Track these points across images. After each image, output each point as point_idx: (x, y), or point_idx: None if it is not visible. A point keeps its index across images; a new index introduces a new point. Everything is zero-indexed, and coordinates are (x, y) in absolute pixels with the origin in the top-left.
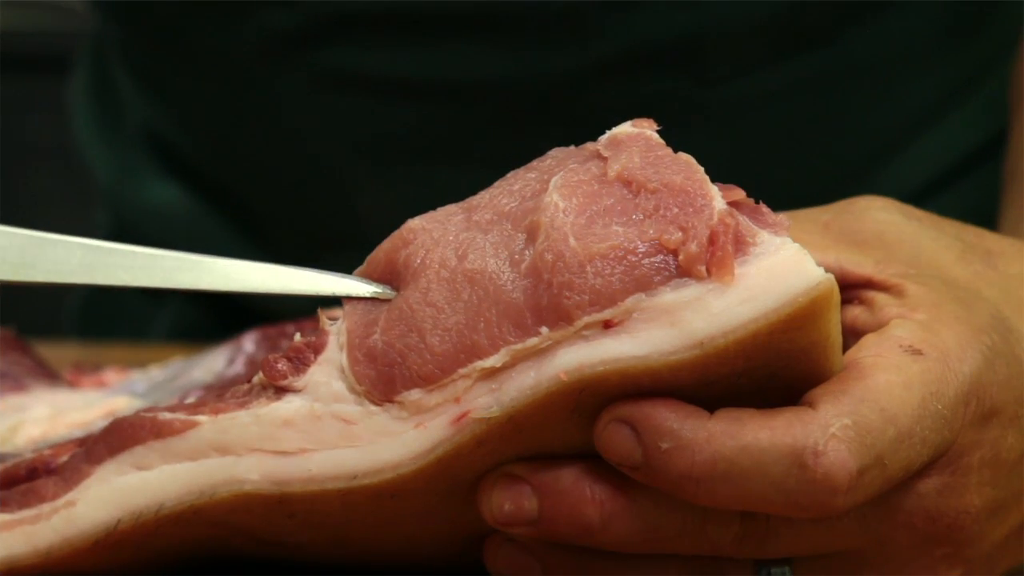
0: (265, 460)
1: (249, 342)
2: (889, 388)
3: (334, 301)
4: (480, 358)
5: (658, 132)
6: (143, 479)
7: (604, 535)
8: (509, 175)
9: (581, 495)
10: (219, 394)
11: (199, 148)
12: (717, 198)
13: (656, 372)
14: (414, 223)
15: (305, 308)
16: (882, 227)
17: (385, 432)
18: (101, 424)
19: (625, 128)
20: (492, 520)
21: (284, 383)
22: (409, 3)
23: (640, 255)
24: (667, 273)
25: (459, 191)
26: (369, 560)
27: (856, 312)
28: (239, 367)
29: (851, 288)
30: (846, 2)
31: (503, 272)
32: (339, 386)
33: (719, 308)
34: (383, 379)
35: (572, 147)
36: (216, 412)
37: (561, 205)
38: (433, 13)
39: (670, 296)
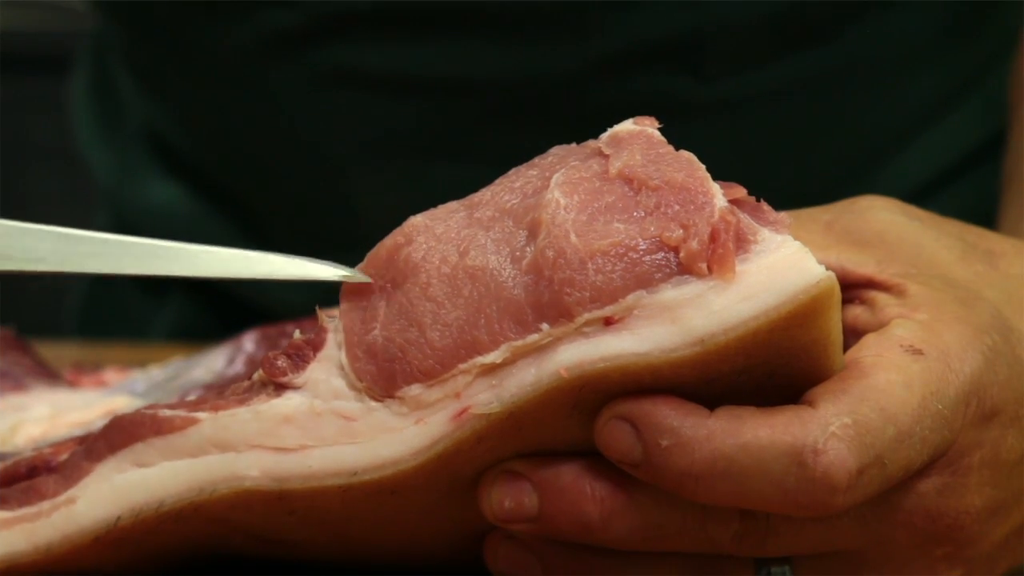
0: (265, 456)
1: (249, 342)
2: (889, 387)
3: (333, 299)
4: (480, 354)
5: (659, 130)
6: (143, 476)
7: (604, 532)
8: (511, 172)
9: (581, 492)
10: (219, 392)
11: (199, 147)
12: (718, 196)
13: (657, 369)
14: (416, 220)
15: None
16: (884, 227)
17: (385, 428)
18: (101, 423)
19: (627, 125)
20: (492, 517)
21: (284, 380)
22: (409, 2)
23: (641, 252)
24: (668, 270)
25: (459, 189)
26: (369, 557)
27: (857, 312)
28: (239, 367)
29: (852, 288)
30: (845, 1)
31: (504, 268)
32: (339, 383)
33: (720, 305)
34: (383, 374)
35: (573, 144)
36: (216, 409)
37: (562, 202)
38: (433, 11)
39: (671, 293)
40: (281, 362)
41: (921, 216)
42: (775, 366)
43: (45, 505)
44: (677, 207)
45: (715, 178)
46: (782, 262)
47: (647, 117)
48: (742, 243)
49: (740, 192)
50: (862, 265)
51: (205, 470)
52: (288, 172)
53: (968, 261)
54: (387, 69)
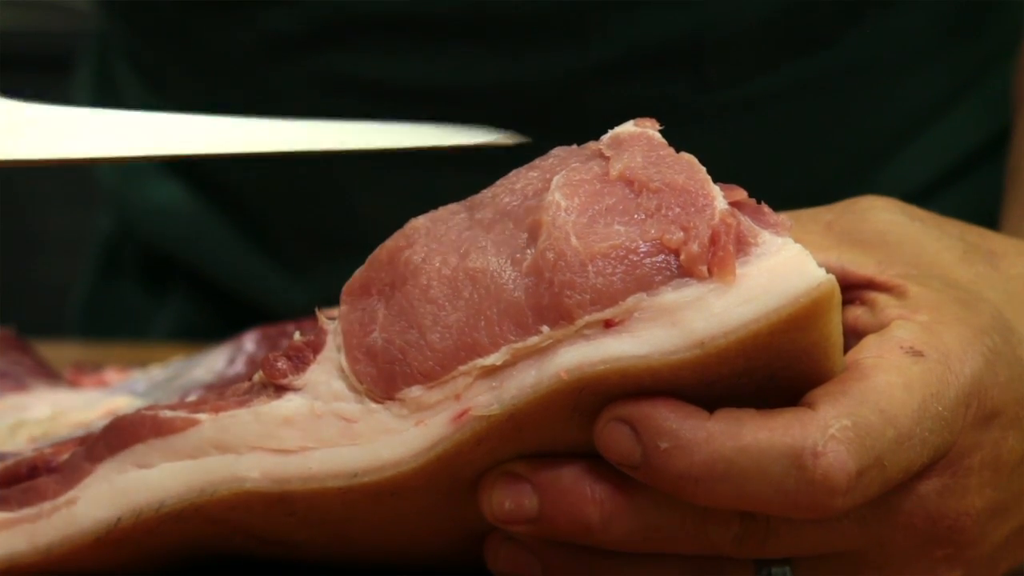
0: (265, 458)
1: (250, 341)
2: (889, 389)
3: (333, 300)
4: (480, 356)
5: (660, 133)
6: (144, 477)
7: (604, 534)
8: (511, 173)
9: (581, 494)
10: (220, 393)
11: None
12: (719, 198)
13: (656, 372)
14: (417, 222)
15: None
16: (884, 227)
17: (386, 430)
18: (102, 424)
19: (627, 127)
20: (492, 518)
21: (284, 382)
22: (409, 8)
23: (642, 255)
24: (668, 273)
25: (459, 195)
26: (369, 557)
27: (857, 313)
28: (240, 366)
29: (853, 289)
30: (845, 3)
31: (504, 270)
32: (339, 385)
33: (720, 308)
34: (384, 376)
35: (574, 146)
36: (217, 410)
37: (563, 204)
38: (433, 18)
39: (671, 296)
40: (281, 364)
41: (922, 216)
42: (775, 368)
43: (46, 506)
44: (678, 209)
45: (716, 180)
46: (783, 265)
47: (648, 119)
48: (743, 246)
49: (741, 194)
50: (863, 266)
51: (205, 471)
52: (289, 175)
53: (969, 262)
54: (388, 75)
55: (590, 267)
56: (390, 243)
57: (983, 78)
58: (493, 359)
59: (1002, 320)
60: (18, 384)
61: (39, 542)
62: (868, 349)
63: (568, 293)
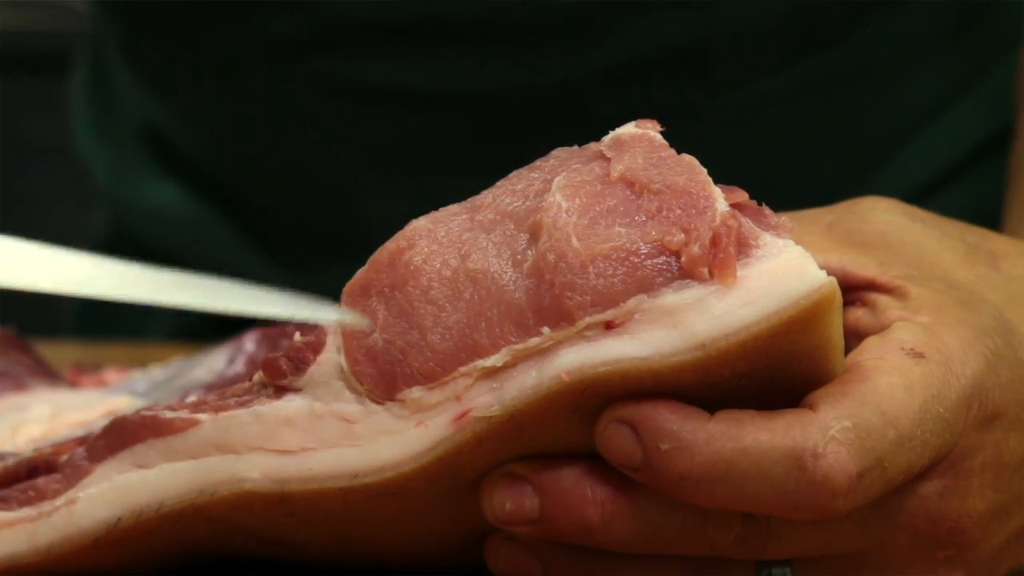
0: (266, 459)
1: (250, 342)
2: (890, 391)
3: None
4: (481, 357)
5: (664, 137)
6: (144, 477)
7: (605, 535)
8: (512, 174)
9: (582, 495)
10: (220, 393)
11: (201, 149)
12: (720, 200)
13: (657, 373)
14: (418, 223)
15: None
16: (885, 228)
17: (386, 431)
18: (102, 423)
19: (628, 129)
20: (493, 519)
21: (284, 382)
22: (414, 12)
23: (642, 256)
24: (669, 274)
25: (460, 196)
26: (370, 558)
27: (858, 314)
28: (240, 367)
29: (854, 290)
30: (850, 4)
31: (505, 272)
32: (339, 385)
33: (721, 310)
34: (384, 377)
35: (575, 147)
36: (217, 411)
37: (564, 205)
38: (437, 22)
39: (672, 298)
40: (281, 364)
41: (923, 217)
42: (776, 370)
43: (45, 506)
44: (679, 211)
45: (718, 182)
46: (784, 267)
47: (649, 120)
48: (744, 247)
49: (742, 196)
50: (864, 267)
51: (206, 472)
52: (290, 177)
53: (970, 263)
54: (392, 80)
55: (591, 268)
56: (391, 244)
57: (983, 77)
58: (494, 360)
59: (1003, 321)
60: (18, 384)
61: (39, 542)
62: (869, 350)
63: (569, 294)
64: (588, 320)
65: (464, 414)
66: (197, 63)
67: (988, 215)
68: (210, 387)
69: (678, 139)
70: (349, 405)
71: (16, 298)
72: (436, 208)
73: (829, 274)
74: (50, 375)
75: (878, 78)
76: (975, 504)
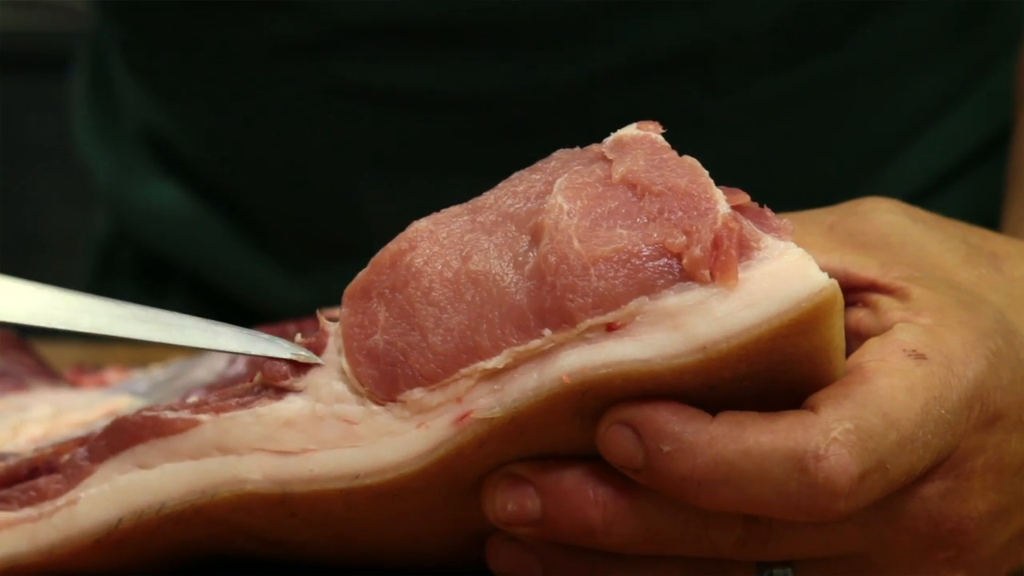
0: (267, 460)
1: None
2: (892, 392)
3: (333, 300)
4: (482, 359)
5: (665, 138)
6: (145, 478)
7: (606, 537)
8: (514, 176)
9: (584, 497)
10: (221, 394)
11: (201, 150)
12: (721, 202)
13: (659, 375)
14: (419, 224)
15: (305, 308)
16: (887, 229)
17: (387, 432)
18: (102, 424)
19: (630, 130)
20: (495, 520)
21: (285, 383)
22: (416, 15)
23: (644, 258)
24: (671, 277)
25: (462, 198)
26: (370, 559)
27: (860, 315)
28: (240, 367)
29: (855, 291)
30: (851, 5)
31: (506, 274)
32: (340, 387)
33: (722, 312)
34: (386, 378)
35: (577, 148)
36: (218, 411)
37: (565, 207)
38: (440, 24)
39: (673, 300)
40: (282, 366)
41: (925, 218)
42: (777, 372)
43: (46, 506)
44: (680, 213)
45: (720, 183)
46: (785, 269)
47: (651, 122)
48: (745, 250)
49: (743, 198)
50: (865, 268)
51: (206, 472)
52: (291, 178)
53: (972, 264)
54: (394, 82)
55: (592, 270)
56: (392, 246)
57: (984, 78)
58: (495, 362)
59: (1005, 323)
60: (19, 384)
61: (40, 542)
62: (871, 352)
63: (570, 296)
64: (589, 322)
65: (465, 415)
66: (198, 65)
67: (989, 216)
68: (211, 387)
69: (679, 140)
70: (350, 406)
71: None
72: (437, 210)
73: (830, 275)
74: (51, 375)
75: (879, 79)
76: (976, 505)
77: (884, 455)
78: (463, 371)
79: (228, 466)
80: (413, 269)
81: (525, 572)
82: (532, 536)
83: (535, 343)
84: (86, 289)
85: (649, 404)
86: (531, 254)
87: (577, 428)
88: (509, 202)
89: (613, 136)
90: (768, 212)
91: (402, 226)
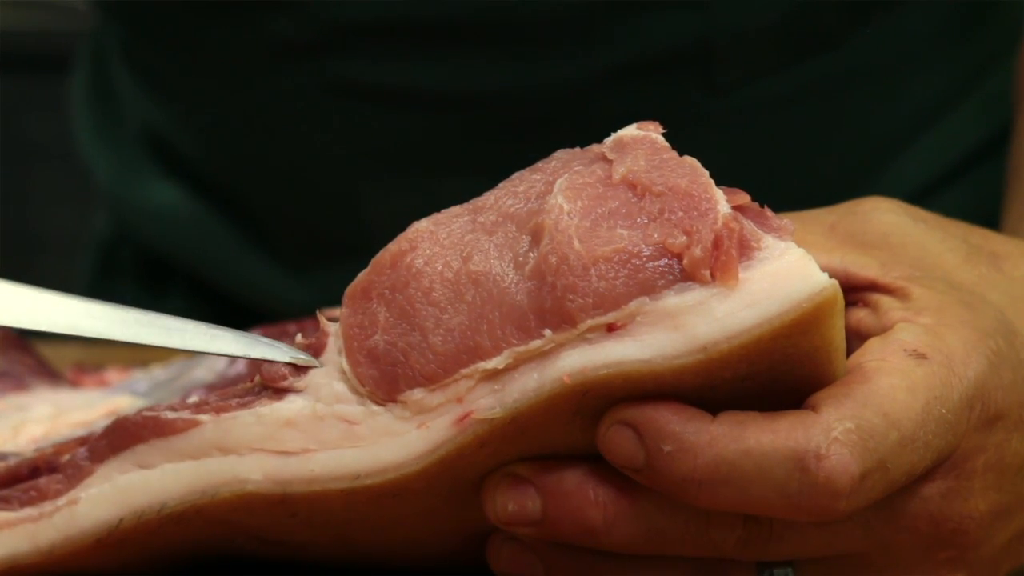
0: (267, 460)
1: None
2: (892, 392)
3: (333, 300)
4: (483, 359)
5: (666, 138)
6: (145, 478)
7: (607, 537)
8: (514, 176)
9: (585, 497)
10: (221, 394)
11: (202, 150)
12: (722, 202)
13: (659, 376)
14: (420, 225)
15: (305, 307)
16: (888, 229)
17: (388, 432)
18: (103, 423)
19: (630, 130)
20: (496, 520)
21: (285, 384)
22: (417, 14)
23: (644, 259)
24: (671, 277)
25: (462, 198)
26: (371, 559)
27: (861, 315)
28: (241, 366)
29: (856, 291)
30: (851, 4)
31: (507, 274)
32: (340, 387)
33: (723, 312)
34: (386, 378)
35: (577, 149)
36: (219, 412)
37: (566, 207)
38: (441, 24)
39: (674, 300)
40: (282, 367)
41: (925, 218)
42: (778, 372)
43: (47, 506)
44: (680, 213)
45: (720, 183)
46: (785, 269)
47: (651, 122)
48: (745, 250)
49: (744, 198)
50: (866, 268)
51: (207, 473)
52: (292, 178)
53: (972, 263)
54: (395, 81)
55: (593, 271)
56: (393, 246)
57: (983, 78)
58: (495, 362)
59: (1006, 322)
60: (19, 384)
61: (41, 542)
62: (871, 352)
63: (571, 297)
64: (590, 322)
65: (466, 416)
66: (198, 65)
67: (989, 216)
68: (212, 387)
69: (680, 140)
70: (351, 406)
71: None
72: (438, 210)
73: (831, 275)
74: (51, 375)
75: (879, 79)
76: (977, 505)
77: (885, 455)
78: (463, 371)
79: (229, 466)
80: (413, 269)
81: (526, 572)
82: (533, 536)
83: (535, 343)
84: (87, 289)
85: (650, 404)
86: (531, 254)
87: (578, 428)
88: (509, 202)
89: (613, 136)
90: (768, 212)
91: (402, 226)
